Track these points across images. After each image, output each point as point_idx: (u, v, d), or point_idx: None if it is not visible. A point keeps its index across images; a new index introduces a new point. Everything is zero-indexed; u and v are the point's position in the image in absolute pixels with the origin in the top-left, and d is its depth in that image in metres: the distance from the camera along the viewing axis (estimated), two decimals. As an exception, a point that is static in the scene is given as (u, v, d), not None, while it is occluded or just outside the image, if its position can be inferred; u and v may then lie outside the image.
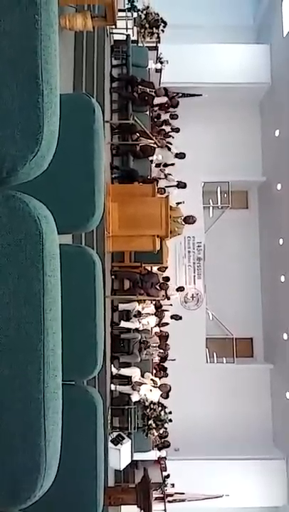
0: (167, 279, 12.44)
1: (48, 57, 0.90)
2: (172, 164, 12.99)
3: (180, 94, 14.01)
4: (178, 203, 10.70)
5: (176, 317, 12.58)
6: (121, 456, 8.59)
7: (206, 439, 13.29)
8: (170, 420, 10.54)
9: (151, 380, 10.36)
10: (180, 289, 13.33)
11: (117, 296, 10.14)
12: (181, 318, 12.64)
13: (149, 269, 10.80)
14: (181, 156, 12.94)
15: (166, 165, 12.95)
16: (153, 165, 12.14)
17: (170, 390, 11.08)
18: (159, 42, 12.21)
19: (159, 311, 11.79)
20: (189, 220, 9.29)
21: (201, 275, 14.72)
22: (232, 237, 15.17)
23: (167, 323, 12.51)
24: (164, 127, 13.37)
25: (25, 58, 0.88)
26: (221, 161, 14.56)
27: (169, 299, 12.14)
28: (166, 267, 12.38)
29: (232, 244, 15.10)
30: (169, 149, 12.90)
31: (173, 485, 11.37)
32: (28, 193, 0.96)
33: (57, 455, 0.97)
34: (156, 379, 10.70)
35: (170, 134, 13.41)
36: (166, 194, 10.59)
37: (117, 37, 11.68)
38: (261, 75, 14.55)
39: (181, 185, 12.35)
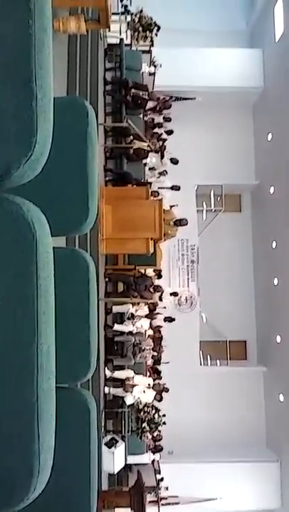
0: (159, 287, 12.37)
1: (41, 61, 0.91)
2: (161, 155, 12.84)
3: (173, 98, 14.04)
4: (171, 206, 10.73)
5: (169, 319, 12.57)
6: (115, 459, 8.55)
7: (199, 442, 13.29)
8: (164, 423, 10.55)
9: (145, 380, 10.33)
10: (174, 294, 13.32)
11: (111, 299, 10.13)
12: (174, 320, 12.63)
13: (143, 271, 10.80)
14: (174, 161, 12.94)
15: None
16: (146, 168, 12.13)
17: (164, 389, 11.06)
18: (152, 45, 12.23)
19: (152, 313, 11.78)
20: (181, 222, 9.30)
21: (194, 278, 14.73)
22: (225, 240, 15.22)
23: (161, 326, 12.50)
24: (157, 130, 13.37)
25: (19, 63, 0.89)
26: (214, 164, 14.61)
27: (161, 300, 12.14)
28: (161, 272, 12.39)
29: (225, 247, 15.16)
30: (163, 156, 12.82)
31: (167, 488, 11.36)
32: (21, 196, 0.96)
33: (50, 458, 0.97)
34: (150, 379, 10.67)
35: (163, 136, 13.41)
36: (160, 197, 10.60)
37: (110, 40, 11.69)
38: (254, 79, 14.63)
39: (175, 187, 12.36)
